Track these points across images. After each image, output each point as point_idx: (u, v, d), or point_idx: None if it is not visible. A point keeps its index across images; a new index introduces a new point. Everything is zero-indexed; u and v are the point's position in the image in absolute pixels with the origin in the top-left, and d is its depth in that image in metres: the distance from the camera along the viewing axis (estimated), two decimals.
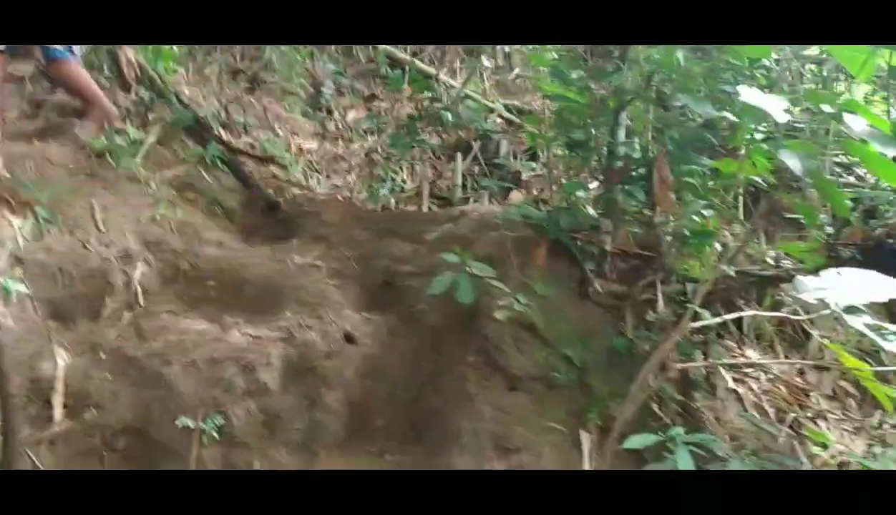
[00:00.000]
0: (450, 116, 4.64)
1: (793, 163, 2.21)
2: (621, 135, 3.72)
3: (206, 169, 4.24)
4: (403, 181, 6.38)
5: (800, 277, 2.02)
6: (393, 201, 5.92)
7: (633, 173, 3.45)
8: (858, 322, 1.82)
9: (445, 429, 3.09)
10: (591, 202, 3.95)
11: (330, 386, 3.20)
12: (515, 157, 6.66)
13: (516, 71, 8.04)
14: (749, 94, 2.10)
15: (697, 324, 2.67)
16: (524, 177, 6.25)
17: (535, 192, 5.92)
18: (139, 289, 3.24)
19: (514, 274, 3.26)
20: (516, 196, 5.86)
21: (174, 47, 5.45)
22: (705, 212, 3.44)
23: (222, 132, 5.05)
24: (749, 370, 4.51)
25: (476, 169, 6.53)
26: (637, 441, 2.63)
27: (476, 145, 6.58)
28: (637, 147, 3.46)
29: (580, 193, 3.74)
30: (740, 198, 4.68)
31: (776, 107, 2.07)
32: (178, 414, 2.88)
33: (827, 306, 1.88)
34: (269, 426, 3.01)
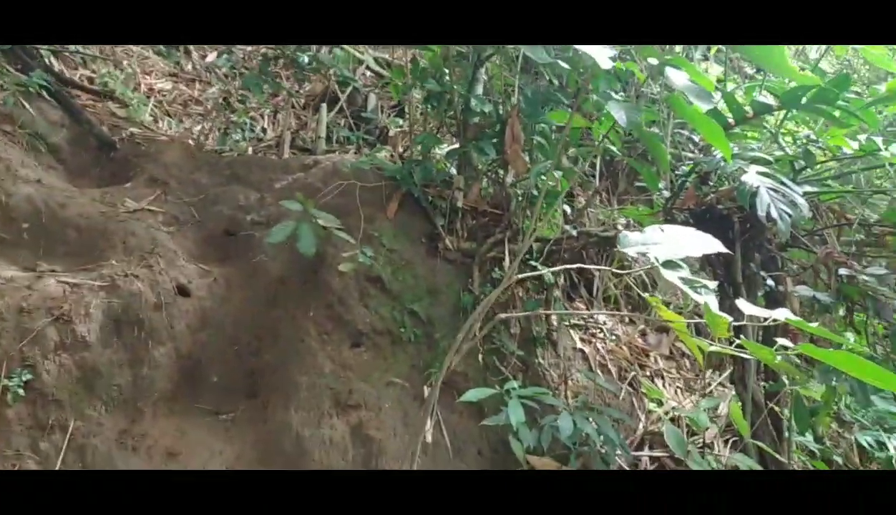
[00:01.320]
0: (305, 59, 4.40)
1: (618, 114, 2.26)
2: (479, 90, 3.68)
3: (29, 99, 3.78)
4: (263, 129, 6.07)
5: (624, 232, 2.06)
6: (250, 150, 5.62)
7: (488, 130, 3.42)
8: (674, 275, 1.88)
9: (283, 385, 2.98)
10: (447, 158, 3.90)
11: (158, 339, 2.99)
12: (383, 112, 6.52)
13: None
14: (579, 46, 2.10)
15: (524, 275, 2.71)
16: (391, 132, 6.13)
17: (400, 148, 5.83)
18: None
19: (363, 227, 3.16)
20: (383, 153, 5.74)
21: None
22: (555, 173, 3.48)
23: (53, 61, 4.53)
24: (596, 332, 4.72)
25: (342, 122, 6.33)
26: (472, 394, 2.65)
27: (343, 97, 6.37)
28: (488, 101, 3.42)
29: (439, 149, 3.68)
30: (597, 167, 4.83)
31: (602, 54, 2.08)
32: None
33: (648, 260, 1.93)
34: (85, 382, 2.76)
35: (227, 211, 3.67)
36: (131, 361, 2.89)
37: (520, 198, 3.55)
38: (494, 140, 3.44)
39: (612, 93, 2.77)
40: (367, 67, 6.80)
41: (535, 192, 3.51)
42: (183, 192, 3.74)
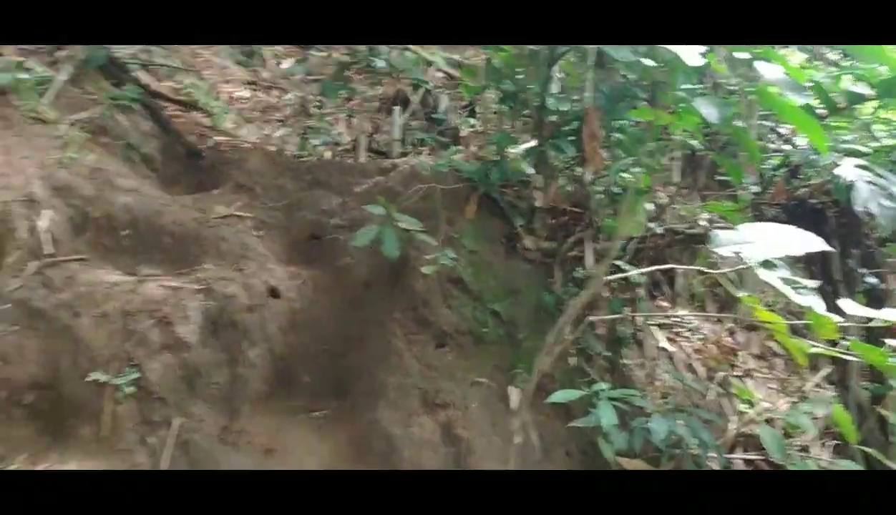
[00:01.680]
0: (380, 63, 4.47)
1: (708, 110, 2.21)
2: (553, 88, 3.67)
3: (123, 112, 3.98)
4: (340, 134, 6.20)
5: (716, 231, 2.01)
6: (329, 154, 5.75)
7: (565, 128, 3.41)
8: (772, 276, 1.82)
9: (372, 385, 3.04)
10: (524, 157, 3.90)
11: (252, 340, 3.10)
12: (454, 113, 6.56)
13: None
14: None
15: (614, 277, 2.67)
16: (463, 132, 6.16)
17: (473, 148, 5.86)
18: (45, 237, 3.04)
19: (444, 229, 3.19)
20: (455, 151, 5.77)
21: None
22: (635, 170, 3.44)
23: (143, 75, 4.76)
24: (681, 330, 4.62)
25: (415, 124, 6.40)
26: (561, 396, 2.64)
27: (415, 99, 6.44)
28: (569, 101, 3.40)
29: (514, 149, 3.68)
30: (677, 162, 4.73)
31: (690, 51, 2.04)
32: (89, 368, 2.75)
33: (743, 260, 1.88)
34: (187, 381, 2.89)
35: (310, 215, 3.77)
36: (229, 361, 3.01)
37: (599, 196, 3.51)
38: (572, 138, 3.42)
39: (693, 87, 2.72)
40: (438, 68, 6.86)
41: (616, 189, 3.48)
42: (268, 198, 3.87)
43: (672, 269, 4.70)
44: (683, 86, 2.91)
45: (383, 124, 6.43)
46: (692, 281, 4.83)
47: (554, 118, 3.59)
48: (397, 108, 6.27)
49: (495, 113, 4.70)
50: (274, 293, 3.31)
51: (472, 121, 6.13)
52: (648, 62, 2.74)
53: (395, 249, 2.89)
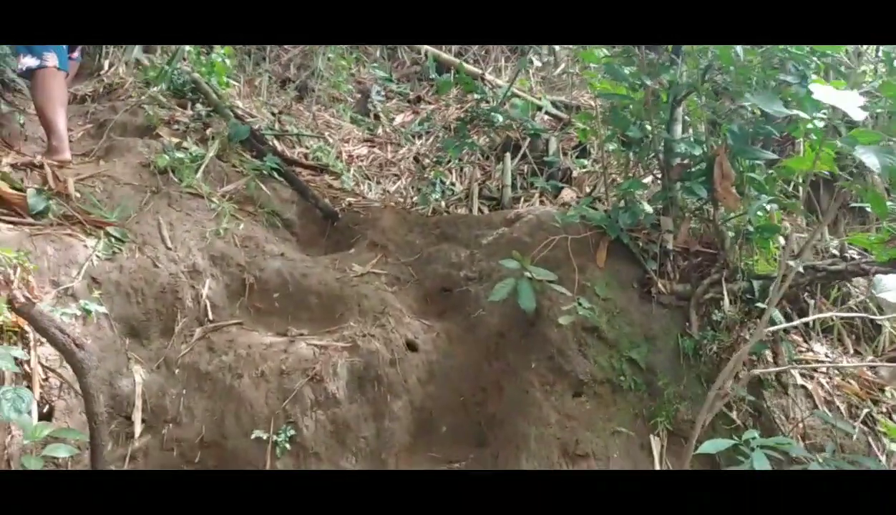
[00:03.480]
0: (500, 118, 4.60)
1: (870, 160, 2.14)
2: (678, 130, 3.65)
3: (264, 181, 4.31)
4: (452, 183, 6.37)
5: (881, 276, 1.94)
6: (443, 204, 5.93)
7: (694, 169, 3.38)
8: None
9: (512, 435, 3.09)
10: (648, 200, 3.88)
11: (395, 393, 3.24)
12: (565, 154, 6.60)
13: (562, 67, 7.97)
14: (822, 93, 2.03)
15: (774, 328, 2.60)
16: (575, 174, 6.19)
17: (587, 189, 5.86)
18: (208, 304, 3.33)
19: (575, 277, 3.23)
20: (568, 194, 5.80)
21: (226, 61, 5.56)
22: (768, 207, 3.36)
23: (277, 143, 5.13)
24: (818, 366, 4.38)
25: (525, 168, 6.48)
26: (710, 446, 2.58)
27: (525, 144, 6.54)
28: (695, 142, 3.37)
29: (637, 191, 3.68)
30: (800, 188, 4.55)
31: (851, 103, 2.00)
32: (250, 426, 2.96)
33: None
34: (337, 435, 3.06)
35: (441, 269, 3.91)
36: (374, 414, 3.16)
37: (733, 236, 3.44)
38: (701, 179, 3.38)
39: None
40: (546, 112, 6.95)
41: (750, 228, 3.40)
42: (400, 254, 4.05)
43: (803, 301, 4.49)
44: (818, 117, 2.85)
45: (493, 171, 6.58)
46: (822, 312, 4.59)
47: (680, 160, 3.57)
48: (508, 155, 6.40)
49: (607, 152, 4.69)
50: (412, 346, 3.45)
51: (584, 161, 6.16)
52: (789, 112, 2.68)
53: (531, 302, 2.95)
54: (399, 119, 7.66)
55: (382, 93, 7.18)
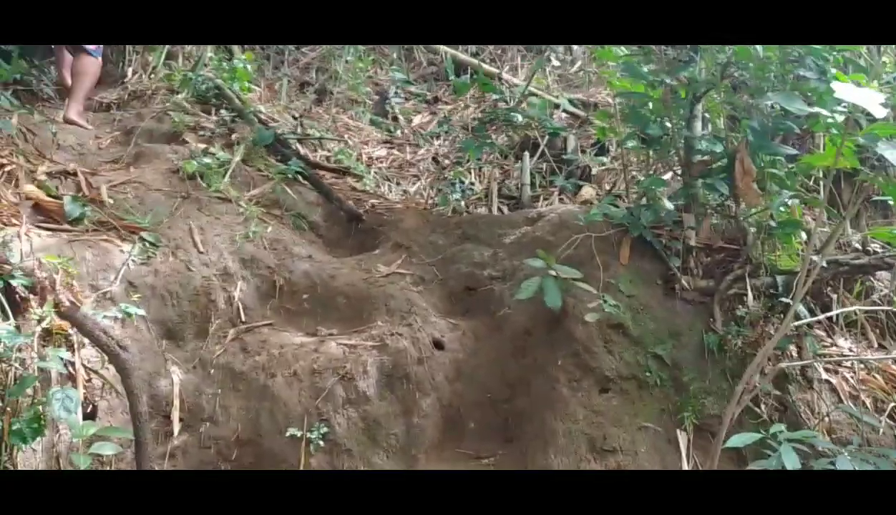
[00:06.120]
0: (520, 118, 4.65)
1: (891, 155, 2.17)
2: (697, 127, 3.68)
3: (289, 185, 4.39)
4: (472, 183, 6.42)
5: None
6: (463, 204, 5.98)
7: (715, 165, 3.41)
8: None
9: (540, 431, 3.14)
10: (668, 197, 3.91)
11: (424, 391, 3.30)
12: (583, 152, 6.62)
13: (578, 64, 8.00)
14: (843, 91, 2.07)
15: (799, 323, 2.63)
16: (594, 171, 6.21)
17: (606, 187, 5.88)
18: (240, 306, 3.41)
19: (599, 275, 3.27)
20: (588, 191, 5.83)
21: (247, 66, 5.65)
22: (790, 201, 3.38)
23: (299, 147, 5.21)
24: (843, 359, 4.38)
25: (544, 166, 6.51)
26: (738, 440, 2.62)
27: (543, 142, 6.58)
28: (715, 139, 3.40)
29: (658, 188, 3.72)
30: (821, 183, 4.56)
31: (873, 101, 2.03)
32: (285, 424, 3.04)
33: None
34: (369, 432, 3.12)
35: (464, 268, 3.96)
36: (403, 412, 3.22)
37: (755, 232, 3.47)
38: (722, 175, 3.41)
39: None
40: (563, 110, 6.97)
41: (773, 223, 3.43)
42: (423, 254, 4.11)
43: (825, 296, 4.49)
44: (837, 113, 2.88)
45: (512, 170, 6.63)
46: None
47: (701, 157, 3.60)
48: (527, 154, 6.44)
49: (626, 150, 4.71)
50: (438, 345, 3.51)
51: (603, 159, 6.19)
52: (810, 109, 2.71)
53: (557, 300, 3.01)
54: (417, 120, 7.74)
55: (401, 94, 7.23)
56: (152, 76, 5.68)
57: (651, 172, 4.02)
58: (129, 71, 5.73)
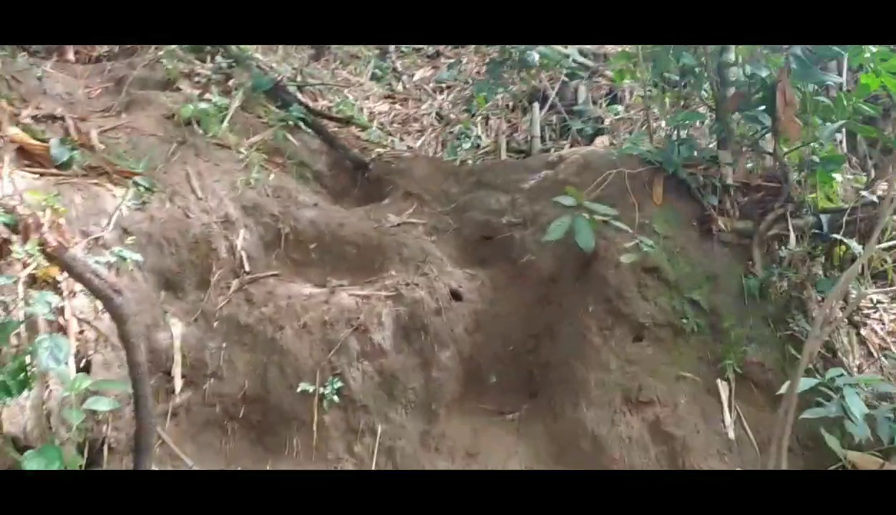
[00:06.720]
0: (536, 57, 4.36)
1: None
2: (730, 57, 3.41)
3: (291, 132, 4.12)
4: (479, 136, 6.16)
5: None
6: (470, 158, 5.73)
7: (754, 98, 3.15)
8: None
9: (569, 382, 2.92)
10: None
11: (442, 343, 3.07)
12: (594, 103, 6.36)
13: None
14: None
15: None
16: (607, 122, 5.96)
17: (623, 136, 5.64)
18: (244, 255, 3.16)
19: (634, 215, 3.03)
20: (602, 141, 5.58)
21: None
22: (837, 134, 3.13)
23: (300, 95, 4.93)
24: (870, 311, 4.18)
25: (554, 118, 6.25)
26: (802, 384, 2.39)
27: (554, 92, 6.30)
28: (764, 67, 3.12)
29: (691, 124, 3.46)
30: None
31: None
32: (295, 379, 2.82)
33: None
34: (386, 387, 2.90)
35: (480, 216, 3.72)
36: (422, 365, 3.00)
37: (796, 168, 3.22)
38: (762, 107, 3.16)
39: None
40: (573, 60, 6.68)
41: (816, 159, 3.18)
42: (436, 203, 3.86)
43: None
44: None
45: (519, 123, 6.35)
46: (876, 259, 4.38)
47: (733, 89, 3.34)
48: (536, 105, 6.16)
49: (649, 92, 4.43)
50: (456, 295, 3.28)
51: (618, 107, 5.92)
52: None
53: (590, 240, 2.77)
54: (419, 75, 7.44)
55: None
56: None
57: (681, 109, 3.75)
58: None
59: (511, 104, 6.37)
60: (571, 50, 6.71)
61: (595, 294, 3.00)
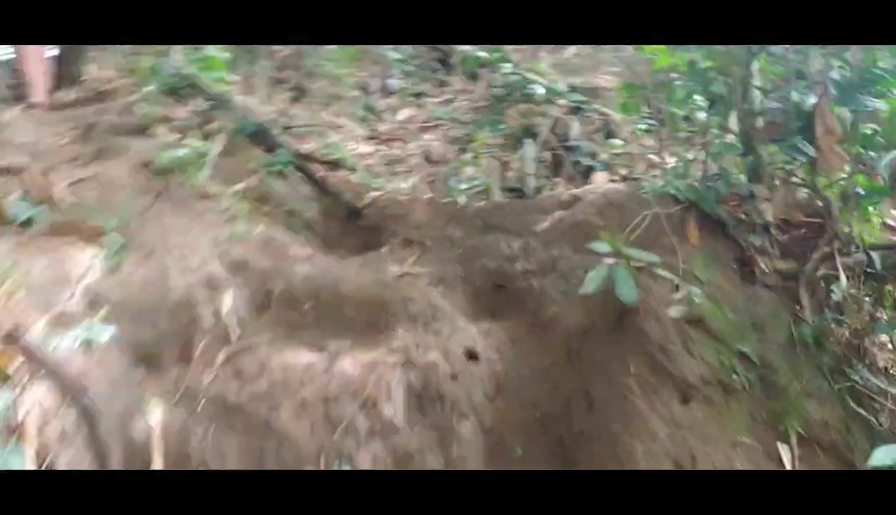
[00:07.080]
0: (541, 89, 4.09)
1: None
2: (757, 82, 3.16)
3: (278, 177, 3.78)
4: (472, 178, 5.88)
5: None
6: (464, 198, 5.43)
7: (793, 126, 2.88)
8: None
9: (611, 453, 2.55)
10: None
11: (461, 413, 2.70)
12: (588, 138, 6.14)
13: (572, 50, 7.59)
14: None
15: None
16: (603, 156, 5.73)
17: (621, 172, 5.41)
18: (230, 321, 2.78)
19: (677, 261, 2.72)
20: (601, 177, 5.32)
21: (222, 55, 5.03)
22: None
23: (285, 138, 4.60)
24: None
25: (546, 155, 6.01)
26: (885, 454, 2.06)
27: (544, 130, 6.07)
28: (799, 93, 2.87)
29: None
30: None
31: None
32: (296, 466, 2.42)
33: None
34: (400, 468, 2.52)
35: (490, 263, 3.38)
36: (440, 441, 2.62)
37: (839, 202, 2.95)
38: (799, 137, 2.89)
39: None
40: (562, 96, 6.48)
41: (861, 191, 2.91)
42: (440, 250, 3.53)
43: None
44: None
45: (511, 160, 6.09)
46: None
47: (761, 119, 3.08)
48: (529, 141, 5.91)
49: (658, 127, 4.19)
50: (472, 355, 2.92)
51: (616, 141, 5.69)
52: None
53: (633, 293, 2.44)
54: (403, 114, 7.19)
55: (399, 76, 6.71)
56: (114, 72, 5.04)
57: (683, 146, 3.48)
58: (93, 68, 5.09)
59: (502, 141, 6.14)
60: (560, 86, 6.53)
61: (634, 350, 2.66)
